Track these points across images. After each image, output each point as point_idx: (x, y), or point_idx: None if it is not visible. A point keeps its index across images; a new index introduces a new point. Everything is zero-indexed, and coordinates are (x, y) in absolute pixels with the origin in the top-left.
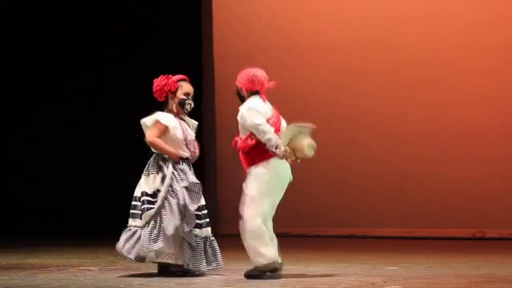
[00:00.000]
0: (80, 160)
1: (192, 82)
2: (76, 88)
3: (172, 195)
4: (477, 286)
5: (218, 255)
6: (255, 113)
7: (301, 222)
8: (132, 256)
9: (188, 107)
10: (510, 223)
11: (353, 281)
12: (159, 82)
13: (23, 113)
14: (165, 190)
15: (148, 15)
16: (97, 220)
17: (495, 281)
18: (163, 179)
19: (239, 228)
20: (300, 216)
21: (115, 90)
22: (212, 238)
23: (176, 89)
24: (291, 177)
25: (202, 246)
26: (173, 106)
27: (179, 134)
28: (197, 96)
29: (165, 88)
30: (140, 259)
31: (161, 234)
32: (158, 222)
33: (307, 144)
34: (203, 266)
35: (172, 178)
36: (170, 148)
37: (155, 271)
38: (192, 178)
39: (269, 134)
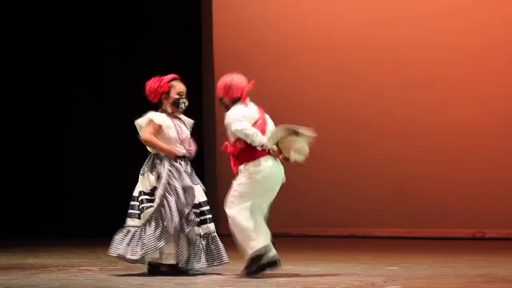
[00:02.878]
0: (80, 160)
1: (192, 81)
2: (75, 88)
3: (171, 192)
4: (477, 286)
5: (222, 252)
6: (238, 119)
7: (301, 222)
8: (137, 257)
9: (182, 105)
10: (510, 223)
11: (353, 281)
12: (151, 84)
13: (22, 113)
14: (162, 187)
15: (148, 15)
16: (97, 220)
17: (495, 281)
18: (159, 176)
19: (229, 227)
20: (300, 216)
21: (115, 90)
22: (215, 234)
23: (169, 90)
24: (284, 177)
25: (204, 243)
26: (167, 106)
27: (172, 133)
28: (197, 95)
29: (158, 89)
30: (143, 260)
31: (164, 233)
32: (160, 220)
33: (295, 149)
34: (201, 265)
35: (168, 175)
36: (165, 145)
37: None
38: (187, 181)
39: (253, 136)
